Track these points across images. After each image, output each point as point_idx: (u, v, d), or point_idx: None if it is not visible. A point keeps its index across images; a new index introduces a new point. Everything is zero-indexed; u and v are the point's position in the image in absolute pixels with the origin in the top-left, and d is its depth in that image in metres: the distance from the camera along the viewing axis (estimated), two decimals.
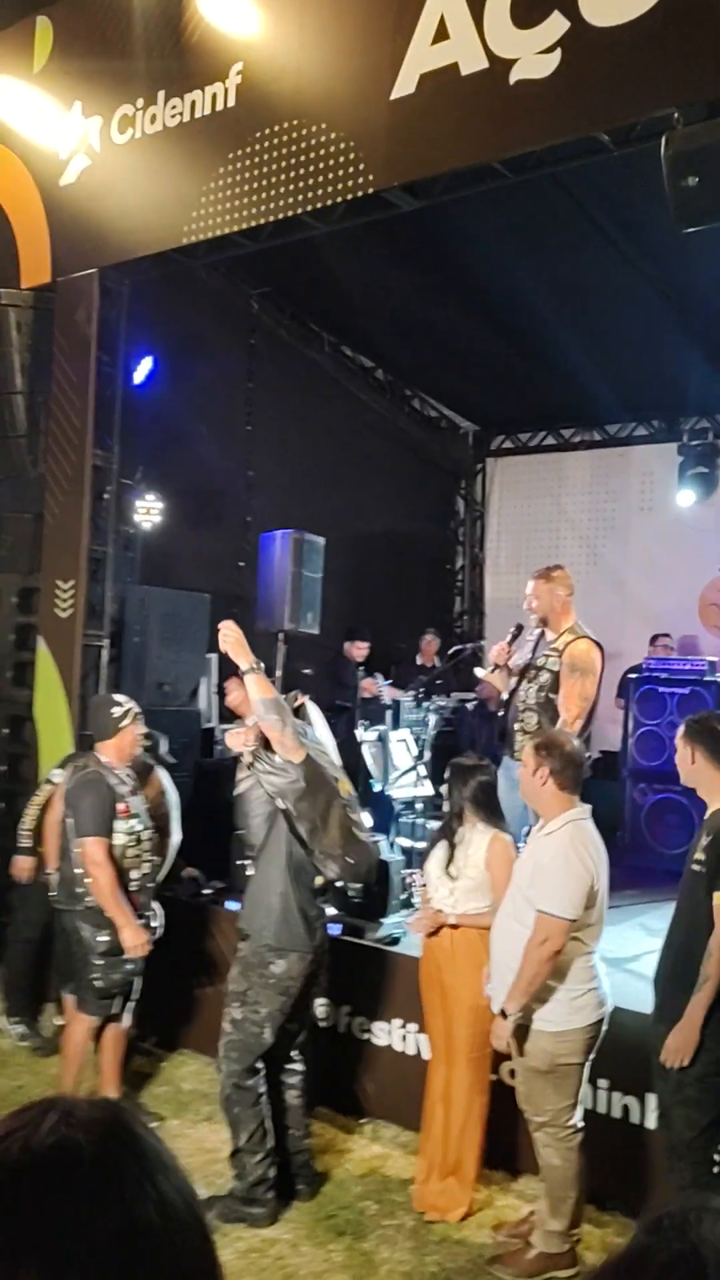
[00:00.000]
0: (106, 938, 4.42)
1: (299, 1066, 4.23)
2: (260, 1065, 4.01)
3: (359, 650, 8.41)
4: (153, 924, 4.61)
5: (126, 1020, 4.69)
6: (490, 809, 4.07)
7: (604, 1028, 3.61)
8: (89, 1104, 0.71)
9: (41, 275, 6.49)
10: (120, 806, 4.50)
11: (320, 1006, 4.94)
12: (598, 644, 5.10)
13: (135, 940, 4.39)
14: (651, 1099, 3.88)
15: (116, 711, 4.61)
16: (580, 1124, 3.64)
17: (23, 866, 5.32)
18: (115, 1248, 0.64)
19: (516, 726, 5.13)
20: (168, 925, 4.74)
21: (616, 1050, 4.04)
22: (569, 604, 5.20)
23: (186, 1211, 0.69)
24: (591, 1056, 3.61)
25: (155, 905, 4.72)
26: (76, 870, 4.47)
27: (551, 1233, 3.61)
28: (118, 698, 4.75)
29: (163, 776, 5.19)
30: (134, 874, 4.53)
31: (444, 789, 4.20)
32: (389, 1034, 4.82)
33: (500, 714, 5.87)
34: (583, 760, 3.74)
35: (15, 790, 6.52)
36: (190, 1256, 0.68)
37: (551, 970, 3.50)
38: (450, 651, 8.52)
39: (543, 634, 5.27)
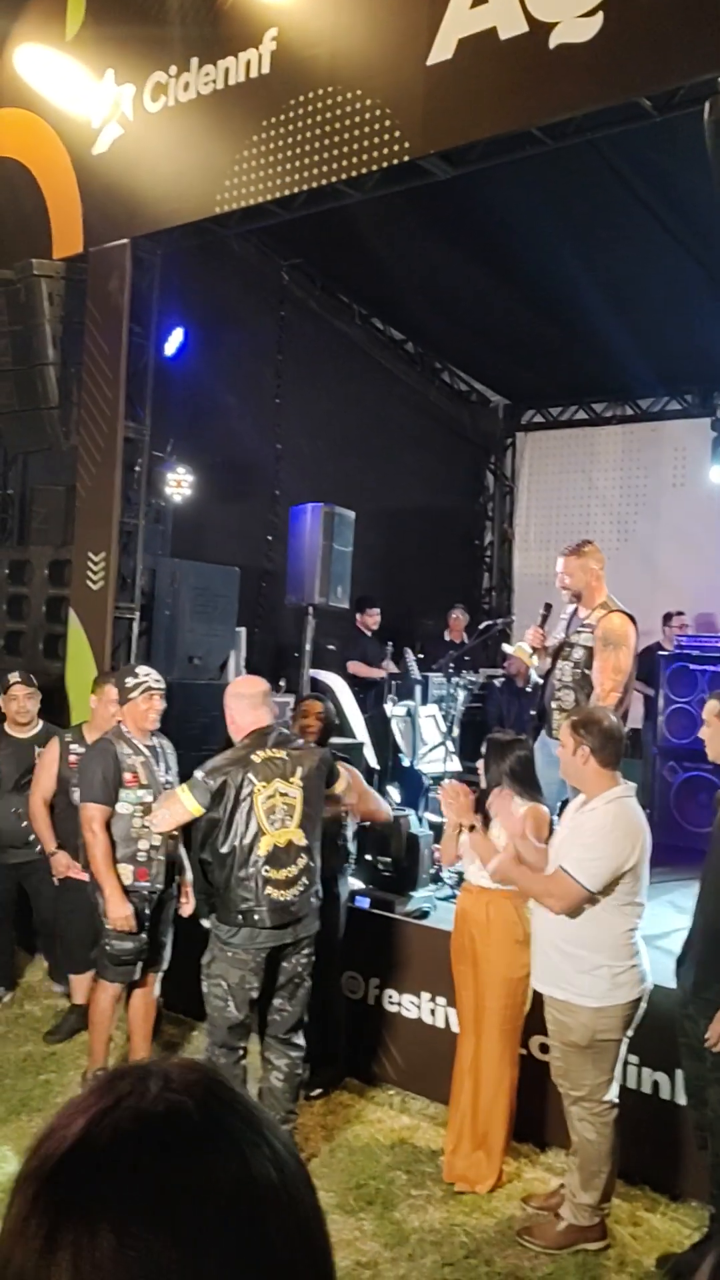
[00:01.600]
0: None
1: (292, 1051, 4.09)
2: (240, 1044, 3.98)
3: (372, 619, 8.35)
4: (164, 894, 4.60)
5: (156, 990, 4.73)
6: (527, 783, 4.07)
7: (643, 1005, 3.62)
8: (180, 1067, 0.71)
9: (74, 245, 6.46)
10: (128, 776, 4.50)
11: (349, 979, 4.98)
12: (631, 617, 5.05)
13: (117, 913, 4.37)
14: (680, 1075, 3.88)
15: (130, 682, 4.61)
16: (616, 1100, 3.65)
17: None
18: (240, 1205, 0.65)
19: (554, 705, 5.12)
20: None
21: (646, 1026, 4.04)
22: (601, 578, 5.16)
23: (295, 1164, 0.70)
24: (630, 1033, 3.62)
25: (189, 876, 4.74)
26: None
27: (582, 1205, 3.63)
28: (139, 669, 4.73)
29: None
30: (141, 844, 4.50)
31: (479, 763, 4.19)
32: (418, 1007, 4.84)
33: (536, 693, 5.86)
34: (622, 736, 3.71)
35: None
36: (305, 1207, 0.69)
37: (582, 938, 3.52)
38: (480, 627, 8.49)
39: (575, 611, 5.23)
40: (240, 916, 3.87)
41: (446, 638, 9.44)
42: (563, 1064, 3.67)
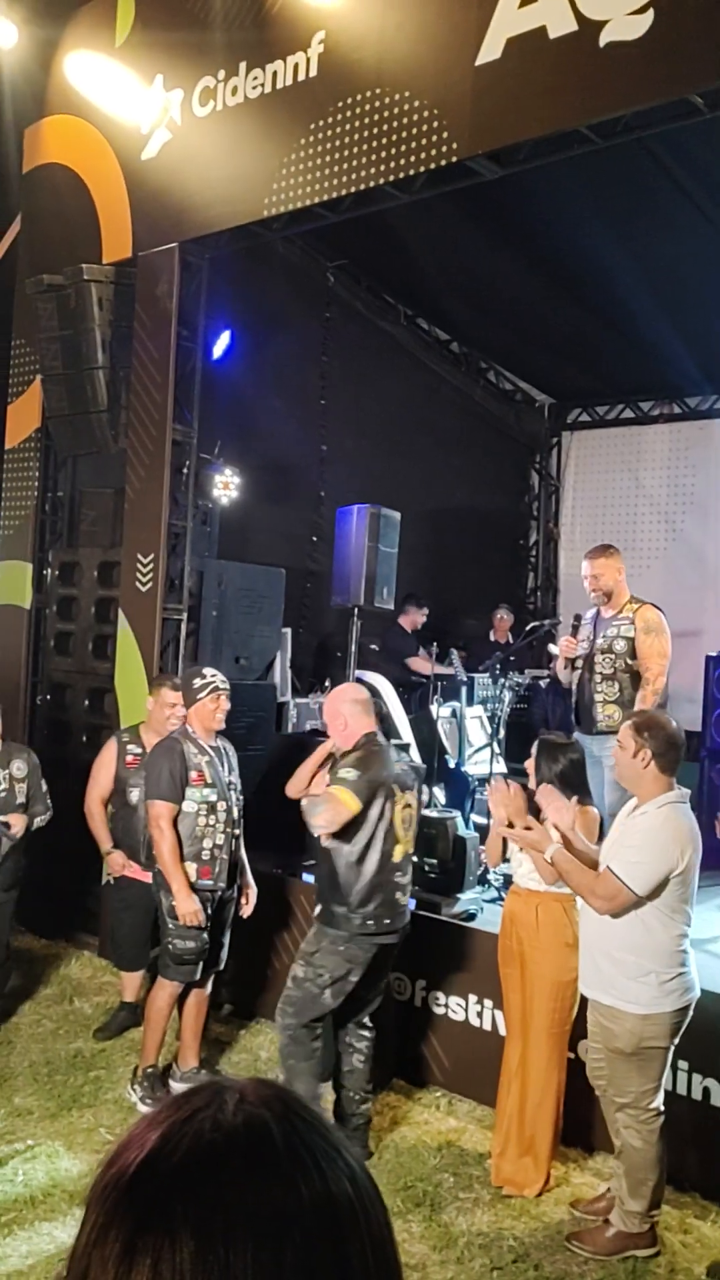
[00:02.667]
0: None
1: (367, 1033, 4.29)
2: (319, 1026, 4.11)
3: (419, 618, 8.32)
4: (224, 895, 4.66)
5: (208, 988, 4.77)
6: (578, 786, 4.06)
7: (690, 1013, 3.58)
8: (253, 1084, 0.72)
9: (123, 250, 6.52)
10: (194, 775, 4.55)
11: (396, 980, 4.98)
12: (661, 609, 5.43)
13: (185, 908, 4.43)
14: None
15: (197, 682, 4.68)
16: (661, 1107, 3.62)
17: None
18: (321, 1222, 0.65)
19: (598, 698, 5.28)
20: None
21: (698, 1032, 4.00)
22: (624, 578, 5.48)
23: (367, 1178, 0.70)
24: (676, 1041, 3.58)
25: (249, 880, 4.80)
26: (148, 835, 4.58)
27: (631, 1213, 3.60)
28: (206, 671, 4.80)
29: None
30: (206, 843, 4.56)
31: (528, 764, 4.18)
32: (465, 1009, 4.83)
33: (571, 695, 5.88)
34: (683, 741, 3.68)
35: (91, 761, 6.64)
36: (378, 1224, 0.69)
37: (632, 944, 3.50)
38: (527, 629, 8.44)
39: (598, 614, 5.46)
40: (369, 920, 4.04)
41: (491, 638, 9.41)
42: (607, 1070, 3.65)
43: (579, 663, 5.43)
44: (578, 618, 5.57)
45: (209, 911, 4.57)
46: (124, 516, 6.48)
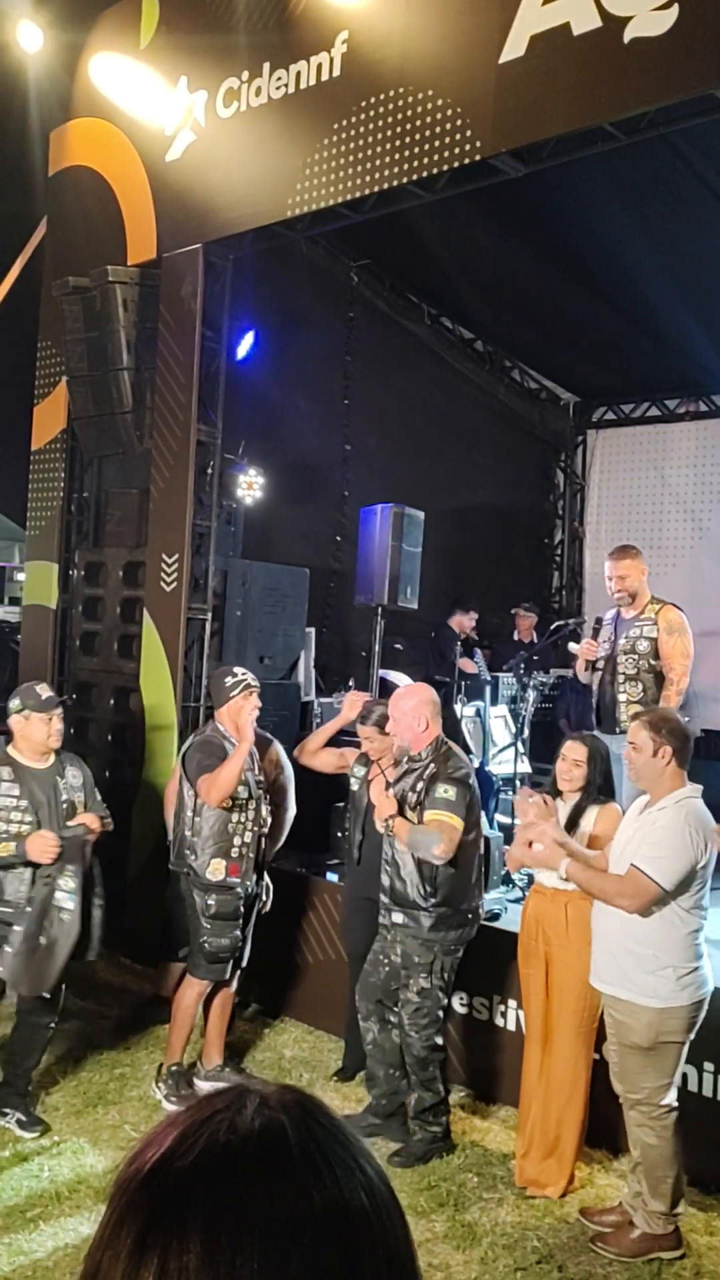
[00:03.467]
0: (214, 902, 4.53)
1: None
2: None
3: (467, 622, 8.32)
4: (251, 892, 4.68)
5: (234, 985, 4.79)
6: (607, 787, 4.09)
7: (705, 1008, 3.57)
8: (277, 1089, 0.72)
9: (147, 252, 6.55)
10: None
11: None
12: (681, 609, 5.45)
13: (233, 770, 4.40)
14: None
15: (229, 681, 4.70)
16: (675, 1104, 3.60)
17: None
18: (333, 1230, 0.65)
19: (620, 699, 5.29)
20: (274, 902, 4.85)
21: (717, 1032, 3.98)
22: (645, 579, 5.51)
23: (387, 1192, 0.69)
24: (691, 1036, 3.57)
25: (265, 878, 4.82)
26: (189, 834, 4.57)
27: (655, 1213, 3.59)
28: (236, 669, 4.82)
29: (280, 751, 5.20)
30: (235, 840, 4.59)
31: (558, 765, 4.19)
32: (489, 1009, 4.82)
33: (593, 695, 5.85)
34: (692, 735, 3.69)
35: (120, 759, 6.69)
36: (395, 1236, 0.68)
37: (652, 938, 3.49)
38: (551, 628, 8.41)
39: (618, 615, 5.46)
40: (471, 917, 4.26)
41: (515, 637, 9.38)
42: (621, 1066, 3.64)
43: (599, 664, 5.44)
44: (598, 620, 5.58)
45: (241, 909, 4.61)
46: (149, 517, 6.52)
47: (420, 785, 4.19)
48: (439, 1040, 4.27)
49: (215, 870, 4.52)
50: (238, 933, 4.60)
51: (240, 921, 4.61)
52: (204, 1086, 4.70)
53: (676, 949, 3.51)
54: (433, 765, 4.21)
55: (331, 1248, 0.64)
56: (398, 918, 4.23)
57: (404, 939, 4.22)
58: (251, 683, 4.70)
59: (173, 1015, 4.71)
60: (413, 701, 4.31)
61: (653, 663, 5.27)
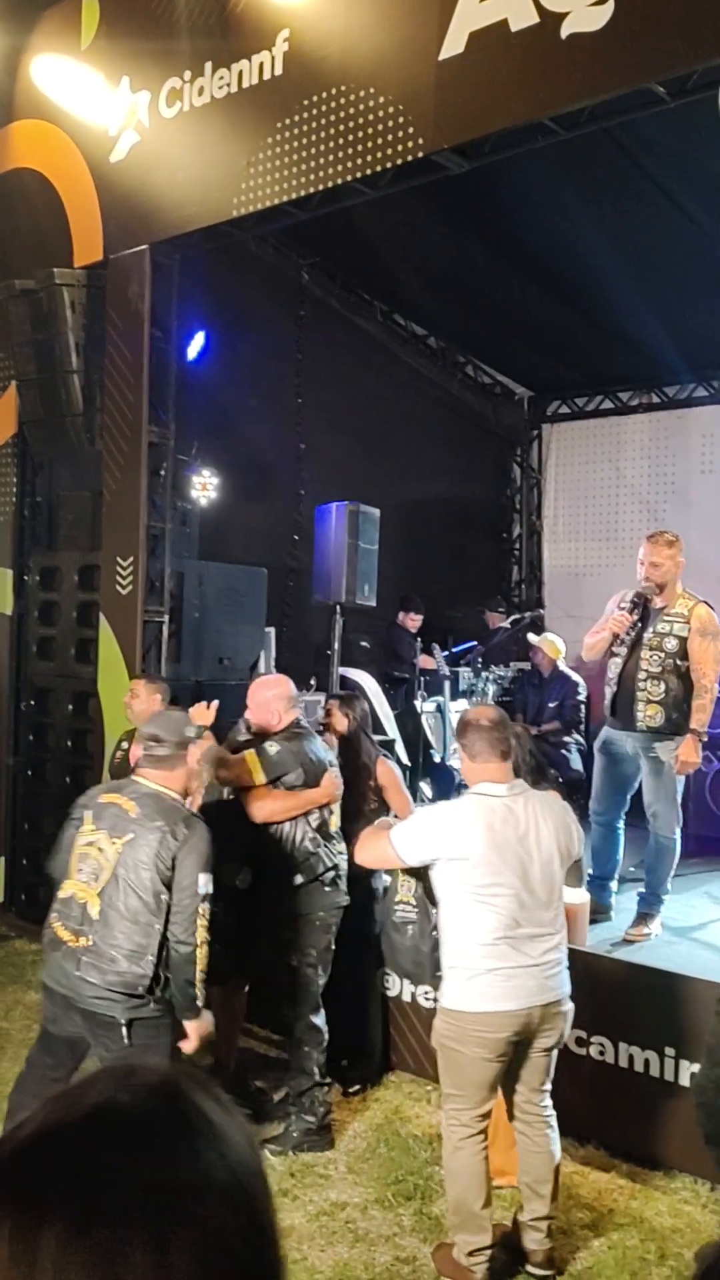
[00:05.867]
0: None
1: None
2: (320, 1004, 4.29)
3: (413, 621, 8.41)
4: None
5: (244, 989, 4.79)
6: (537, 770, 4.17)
7: (497, 1027, 3.38)
8: (158, 1070, 0.73)
9: (94, 253, 6.51)
10: None
11: (385, 975, 5.00)
12: (713, 607, 5.18)
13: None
14: None
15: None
16: (465, 1125, 3.45)
17: None
18: (147, 1206, 0.65)
19: (640, 695, 5.10)
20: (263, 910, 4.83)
21: (683, 1019, 4.03)
22: (680, 572, 5.22)
23: (234, 1184, 0.70)
24: (483, 1054, 3.37)
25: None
26: None
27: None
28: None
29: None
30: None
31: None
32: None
33: (558, 684, 5.78)
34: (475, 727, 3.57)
35: (81, 765, 6.65)
36: (236, 1231, 0.68)
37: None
38: (509, 620, 8.46)
39: (647, 602, 5.19)
40: (329, 890, 4.39)
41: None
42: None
43: (620, 648, 5.15)
44: (640, 595, 5.16)
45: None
46: (102, 519, 6.48)
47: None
48: (316, 1020, 4.25)
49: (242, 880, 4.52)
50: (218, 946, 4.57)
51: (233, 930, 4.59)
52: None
53: (460, 952, 3.39)
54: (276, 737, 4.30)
55: (142, 1224, 0.65)
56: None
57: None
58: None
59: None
60: (269, 694, 4.37)
61: (679, 663, 5.02)
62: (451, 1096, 3.44)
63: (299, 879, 4.22)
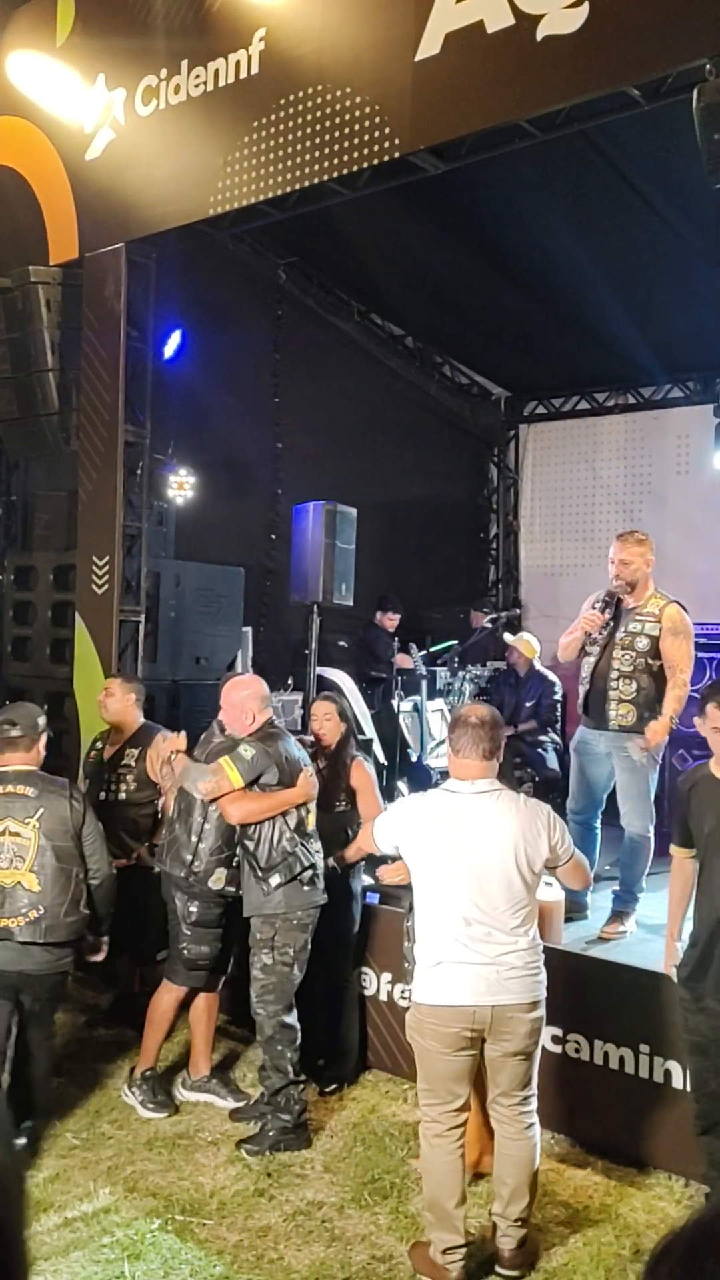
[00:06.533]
0: (196, 908, 4.51)
1: None
2: (293, 1003, 4.28)
3: (390, 621, 8.43)
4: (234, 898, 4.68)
5: (217, 990, 4.77)
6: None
7: (448, 1021, 3.39)
8: None
9: (69, 251, 6.48)
10: None
11: (361, 974, 5.00)
12: (684, 606, 5.19)
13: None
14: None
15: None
16: (436, 1121, 3.44)
17: None
18: None
19: (612, 694, 5.10)
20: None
21: (658, 1016, 4.05)
22: (651, 570, 5.22)
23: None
24: (437, 1047, 3.40)
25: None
26: (194, 839, 4.49)
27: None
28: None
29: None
30: (237, 850, 4.57)
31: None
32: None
33: (532, 684, 5.76)
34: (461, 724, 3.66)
35: (57, 765, 6.59)
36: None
37: None
38: (486, 620, 8.48)
39: (619, 601, 5.19)
40: (306, 889, 4.32)
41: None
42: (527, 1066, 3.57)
43: (592, 648, 5.18)
44: (610, 595, 5.17)
45: (223, 922, 4.58)
46: (78, 519, 6.45)
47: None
48: (288, 1019, 4.24)
49: (218, 880, 4.50)
50: (219, 943, 4.57)
51: (220, 931, 4.58)
52: (187, 1096, 4.68)
53: (421, 943, 3.45)
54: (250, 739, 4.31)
55: None
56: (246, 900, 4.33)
57: (251, 917, 4.28)
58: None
59: (148, 1019, 4.65)
60: (242, 694, 4.36)
61: (650, 662, 5.02)
62: (423, 1092, 3.46)
63: (277, 878, 4.21)
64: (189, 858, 4.48)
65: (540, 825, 3.44)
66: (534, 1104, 3.51)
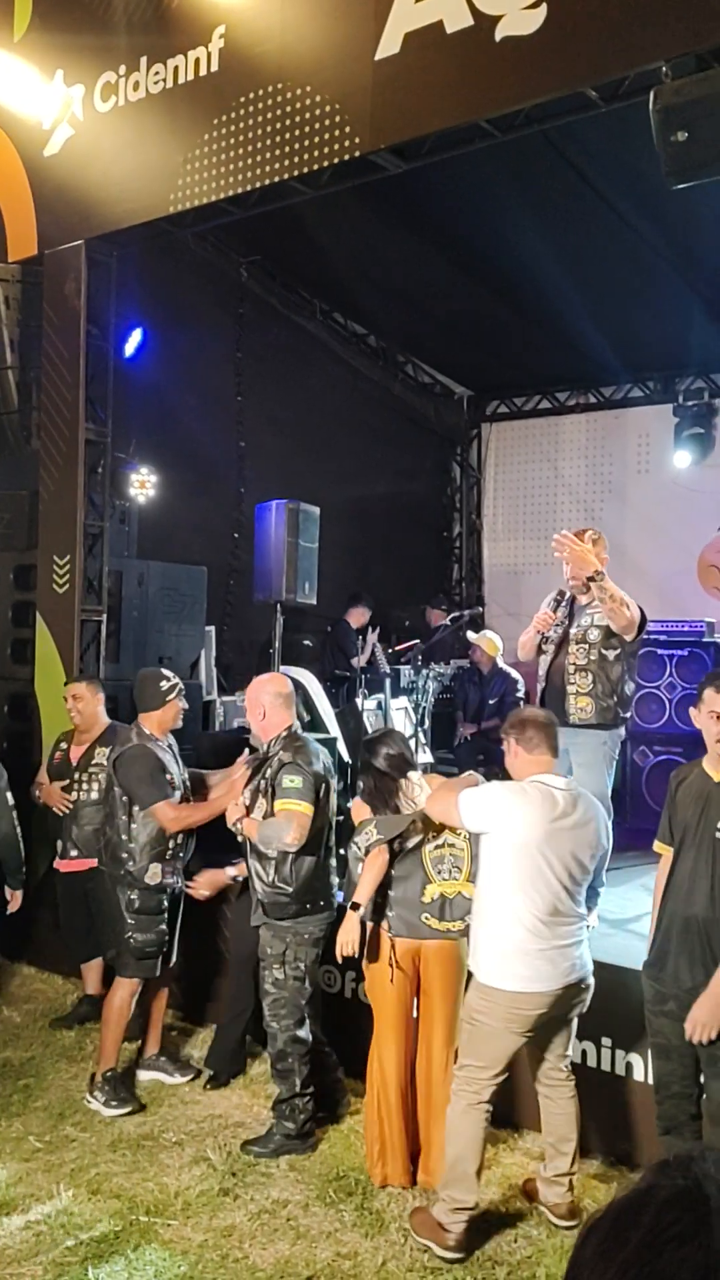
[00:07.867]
0: (136, 897, 4.57)
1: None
2: (306, 1015, 4.27)
3: (358, 617, 8.45)
4: (177, 890, 4.72)
5: (165, 979, 4.86)
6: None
7: (521, 1005, 3.58)
8: None
9: (28, 249, 6.43)
10: (168, 777, 4.63)
11: (325, 973, 5.00)
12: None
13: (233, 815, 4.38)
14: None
15: (164, 685, 4.73)
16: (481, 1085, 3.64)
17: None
18: None
19: (570, 690, 5.10)
20: (191, 902, 4.83)
21: (618, 1008, 4.09)
22: (605, 567, 5.19)
23: None
24: (502, 1026, 3.54)
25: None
26: (124, 839, 4.58)
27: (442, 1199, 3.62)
28: (165, 672, 4.87)
29: None
30: (169, 842, 4.64)
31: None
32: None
33: (496, 680, 5.78)
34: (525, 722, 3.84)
35: (20, 765, 6.54)
36: None
37: None
38: (449, 618, 8.52)
39: (573, 599, 5.22)
40: (324, 904, 4.26)
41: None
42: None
43: (548, 646, 5.19)
44: (561, 593, 5.24)
45: (165, 905, 4.66)
46: (39, 518, 6.40)
47: (269, 774, 4.23)
48: (300, 1033, 4.23)
49: (154, 875, 4.59)
50: (163, 927, 4.65)
51: (165, 916, 4.66)
52: (149, 1076, 4.78)
53: (501, 929, 3.53)
54: (282, 755, 4.23)
55: None
56: (257, 914, 4.26)
57: (261, 930, 4.26)
58: (180, 686, 4.79)
59: (104, 1019, 4.65)
60: (257, 690, 4.36)
61: (604, 651, 5.06)
62: (473, 1067, 3.57)
63: (298, 906, 4.20)
64: (124, 856, 4.59)
65: (603, 815, 3.80)
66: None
